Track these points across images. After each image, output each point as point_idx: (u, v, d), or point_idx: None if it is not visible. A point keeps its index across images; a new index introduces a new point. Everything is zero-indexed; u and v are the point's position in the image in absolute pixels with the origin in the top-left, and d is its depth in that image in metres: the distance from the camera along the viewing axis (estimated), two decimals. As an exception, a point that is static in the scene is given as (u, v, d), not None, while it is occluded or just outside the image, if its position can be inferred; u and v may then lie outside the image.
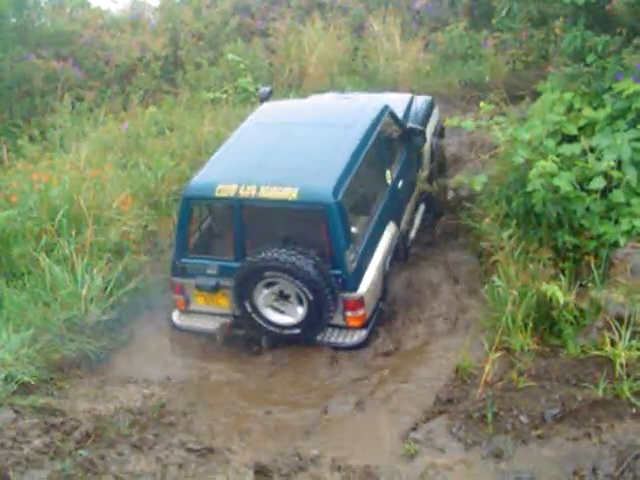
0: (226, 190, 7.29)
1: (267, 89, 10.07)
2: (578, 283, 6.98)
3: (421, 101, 10.09)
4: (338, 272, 7.09)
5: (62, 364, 7.15)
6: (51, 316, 7.37)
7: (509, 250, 7.35)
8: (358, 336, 7.38)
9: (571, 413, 5.72)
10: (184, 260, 7.62)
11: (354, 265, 7.17)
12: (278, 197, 7.07)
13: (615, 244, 7.16)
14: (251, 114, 9.11)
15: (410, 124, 9.11)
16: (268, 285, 7.24)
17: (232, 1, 16.15)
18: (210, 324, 7.75)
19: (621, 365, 5.93)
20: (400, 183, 8.46)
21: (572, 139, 7.82)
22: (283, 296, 7.30)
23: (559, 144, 7.73)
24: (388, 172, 8.26)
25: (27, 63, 13.53)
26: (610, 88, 7.86)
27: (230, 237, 7.52)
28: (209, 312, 7.79)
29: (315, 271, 6.92)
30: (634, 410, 5.63)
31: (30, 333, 7.00)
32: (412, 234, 8.84)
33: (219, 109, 12.44)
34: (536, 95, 8.87)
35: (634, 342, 6.15)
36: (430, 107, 10.26)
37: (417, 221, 9.15)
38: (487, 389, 6.22)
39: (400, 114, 9.07)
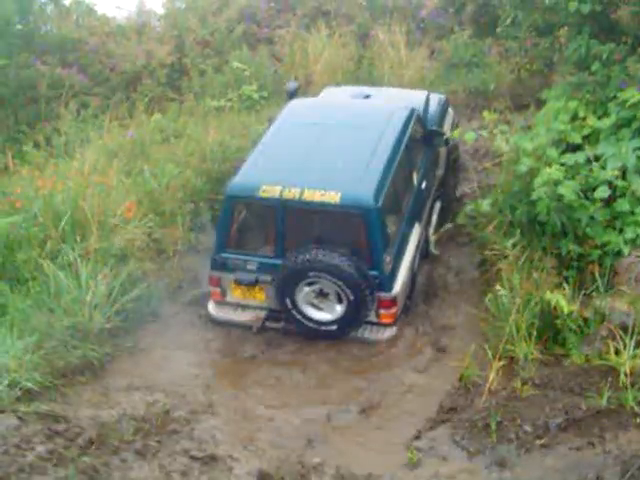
0: (270, 191, 7.57)
1: (295, 84, 10.36)
2: (582, 292, 6.98)
3: (436, 100, 10.20)
4: (375, 273, 7.42)
5: (66, 370, 7.12)
6: (55, 322, 7.37)
7: (513, 258, 7.36)
8: (389, 332, 7.76)
9: (575, 422, 5.72)
10: (224, 255, 7.91)
11: (390, 267, 7.52)
12: (321, 200, 7.38)
13: (619, 253, 7.17)
14: (283, 110, 9.28)
15: (432, 126, 9.38)
16: (309, 284, 7.55)
17: (238, 8, 16.15)
18: (244, 316, 8.09)
19: (625, 374, 5.94)
20: (423, 184, 8.72)
21: (576, 148, 7.83)
22: (322, 294, 7.62)
23: (563, 153, 7.73)
24: (415, 174, 8.59)
25: (33, 70, 13.59)
26: (615, 97, 7.86)
27: (271, 235, 7.90)
28: (245, 305, 8.11)
29: (357, 273, 7.26)
30: (638, 420, 5.64)
31: (34, 339, 7.00)
32: (431, 231, 9.01)
33: (224, 117, 12.47)
34: (541, 103, 8.87)
35: (638, 351, 6.15)
36: (445, 106, 10.51)
37: (434, 218, 9.36)
38: (491, 398, 6.23)
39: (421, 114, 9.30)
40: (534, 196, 7.25)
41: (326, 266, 7.30)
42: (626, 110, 7.64)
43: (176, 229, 9.32)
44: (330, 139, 8.27)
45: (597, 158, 7.52)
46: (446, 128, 9.99)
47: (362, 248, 7.48)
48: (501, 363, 6.51)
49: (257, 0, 16.52)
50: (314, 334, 7.78)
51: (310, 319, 7.69)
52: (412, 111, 8.82)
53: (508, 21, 9.66)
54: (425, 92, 9.83)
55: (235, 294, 8.09)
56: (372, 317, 7.69)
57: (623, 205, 7.25)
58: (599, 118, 7.91)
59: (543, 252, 7.40)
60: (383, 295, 7.52)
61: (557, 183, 7.11)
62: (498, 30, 10.15)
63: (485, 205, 8.13)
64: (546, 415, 5.81)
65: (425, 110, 9.31)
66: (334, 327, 7.66)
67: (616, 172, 7.23)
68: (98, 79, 14.16)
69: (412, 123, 8.68)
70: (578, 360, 6.48)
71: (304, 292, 7.60)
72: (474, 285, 8.30)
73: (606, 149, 7.53)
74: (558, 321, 6.80)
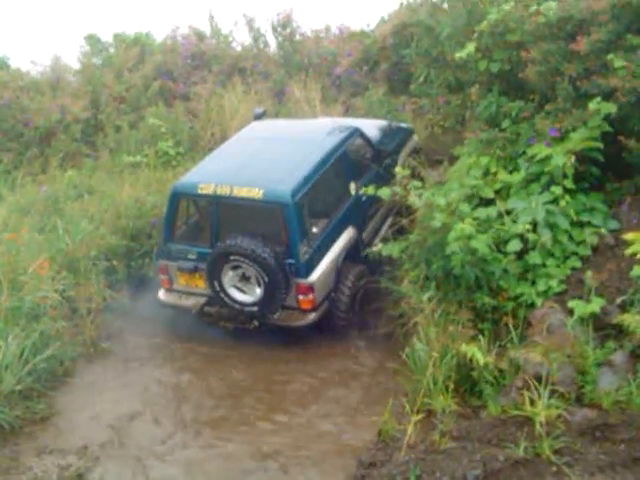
0: (206, 188, 8.73)
1: (261, 110, 11.40)
2: (497, 344, 7.09)
3: (400, 129, 11.51)
4: (292, 261, 8.39)
5: (-27, 435, 6.92)
6: (-37, 384, 7.15)
7: (429, 312, 7.42)
8: (308, 318, 8.61)
9: (493, 473, 5.74)
10: (169, 245, 9.04)
11: (307, 256, 8.48)
12: (247, 196, 8.48)
13: (532, 305, 7.29)
14: (243, 129, 10.73)
15: (381, 147, 10.57)
16: (234, 268, 8.51)
17: (154, 65, 16.15)
18: (188, 302, 9.08)
19: (541, 424, 6.00)
20: (365, 196, 9.14)
21: (489, 202, 7.99)
22: (245, 278, 8.59)
23: (476, 207, 7.88)
24: (352, 184, 9.41)
25: (-57, 124, 13.32)
26: (524, 152, 8.07)
27: (207, 227, 8.99)
28: (189, 292, 9.11)
29: (270, 257, 8.21)
30: (555, 469, 5.69)
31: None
32: (376, 241, 9.47)
33: (139, 173, 12.38)
34: (453, 159, 9.04)
35: (553, 401, 6.25)
36: (408, 134, 11.59)
37: (383, 231, 10.23)
38: (410, 452, 6.21)
39: (376, 137, 10.75)
40: (448, 250, 7.35)
41: (244, 250, 8.23)
42: (535, 165, 7.85)
43: (90, 287, 9.16)
44: (270, 150, 9.48)
45: (509, 212, 7.69)
46: (405, 152, 11.18)
47: (281, 238, 8.43)
48: (419, 417, 6.51)
49: (173, 56, 16.56)
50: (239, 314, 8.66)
51: (235, 301, 8.60)
52: (354, 130, 10.03)
53: (421, 79, 9.87)
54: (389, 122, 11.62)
55: (180, 282, 9.11)
56: (293, 303, 8.59)
57: (534, 258, 7.41)
58: (510, 173, 8.11)
59: (458, 305, 7.48)
60: (300, 281, 8.46)
61: (470, 237, 7.23)
62: (411, 87, 10.34)
63: (396, 250, 8.21)
64: (464, 467, 5.81)
65: (384, 133, 11.04)
66: (255, 308, 8.53)
67: (527, 225, 7.39)
68: (11, 134, 13.91)
69: (351, 140, 9.88)
70: (495, 411, 6.54)
71: (229, 276, 8.56)
72: (391, 340, 8.33)
73: (517, 203, 7.71)
74: (474, 373, 6.87)
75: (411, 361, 7.30)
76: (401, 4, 11.82)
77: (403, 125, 12.05)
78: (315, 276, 8.54)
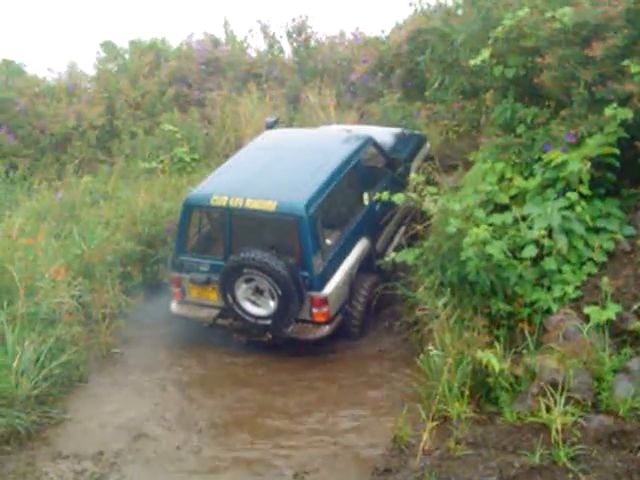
0: (219, 200, 8.65)
1: (273, 119, 11.40)
2: (513, 350, 7.06)
3: (412, 136, 11.51)
4: (306, 274, 8.35)
5: (-10, 440, 6.96)
6: (-21, 390, 7.19)
7: (444, 318, 7.41)
8: (322, 331, 8.58)
9: (509, 480, 5.73)
10: (182, 257, 9.01)
11: (321, 269, 8.44)
12: (260, 208, 8.43)
13: (548, 311, 7.27)
14: (256, 138, 10.66)
15: (393, 155, 10.51)
16: (247, 281, 8.47)
17: (169, 71, 16.22)
18: (200, 313, 9.05)
19: (557, 431, 5.99)
20: (378, 206, 9.49)
21: (504, 208, 7.97)
22: (259, 291, 8.54)
23: (491, 213, 7.87)
24: (366, 194, 9.48)
25: (-41, 131, 13.40)
26: (540, 158, 8.04)
27: (220, 239, 8.91)
28: (201, 304, 9.06)
29: (284, 270, 8.18)
30: (571, 476, 5.68)
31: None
32: (390, 250, 9.55)
33: (155, 179, 12.41)
34: (469, 165, 9.03)
35: (569, 408, 6.22)
36: (420, 142, 11.55)
37: (396, 240, 10.23)
38: (425, 458, 6.21)
39: (388, 146, 10.72)
40: (463, 256, 7.34)
41: (257, 263, 8.21)
42: (550, 171, 7.83)
43: (106, 293, 9.19)
44: (283, 160, 9.42)
45: (524, 218, 7.66)
46: (417, 161, 11.11)
47: (295, 251, 8.41)
48: (435, 423, 6.51)
49: (188, 63, 16.63)
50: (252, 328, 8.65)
51: (248, 313, 8.56)
52: (367, 139, 9.98)
53: (436, 85, 9.87)
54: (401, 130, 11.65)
55: (192, 294, 9.08)
56: (307, 316, 8.55)
57: (550, 264, 7.39)
58: (525, 179, 8.08)
59: (474, 311, 7.47)
60: (314, 294, 8.42)
61: (485, 243, 7.22)
62: (426, 94, 10.35)
63: (411, 257, 8.21)
64: (480, 474, 5.80)
65: (397, 142, 11.05)
66: (268, 322, 8.52)
67: (542, 231, 7.37)
68: (27, 140, 14.00)
69: (364, 150, 9.83)
70: (510, 418, 6.52)
71: (242, 288, 8.51)
72: (406, 345, 8.33)
73: (532, 209, 7.69)
74: (490, 379, 6.85)
75: (426, 367, 7.29)
76: (415, 10, 11.83)
77: (416, 132, 12.04)
78: (329, 289, 8.52)
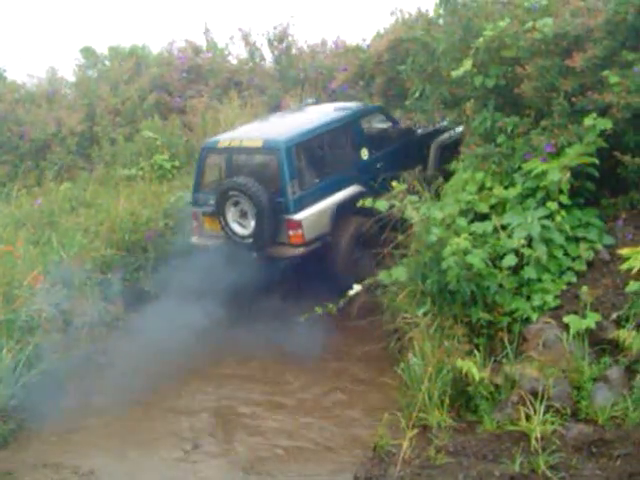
0: (224, 142, 10.56)
1: (312, 99, 13.31)
2: (493, 359, 7.07)
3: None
4: (282, 199, 9.65)
5: (-34, 449, 6.89)
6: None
7: (424, 327, 7.42)
8: (296, 251, 9.77)
9: (488, 489, 5.73)
10: (197, 194, 10.68)
11: (296, 196, 9.71)
12: (252, 145, 10.17)
13: (528, 320, 7.28)
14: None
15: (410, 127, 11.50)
16: (234, 204, 9.88)
17: (150, 78, 16.17)
18: (213, 243, 10.38)
19: (536, 439, 6.00)
20: (380, 164, 10.69)
21: (484, 217, 8.00)
22: (244, 214, 9.88)
23: (471, 222, 7.90)
24: (365, 150, 10.79)
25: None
26: (520, 168, 8.08)
27: (225, 175, 10.46)
28: (213, 235, 10.46)
29: (260, 192, 9.53)
30: (550, 485, 5.68)
31: None
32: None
33: (135, 186, 12.38)
34: (450, 174, 9.05)
35: (548, 416, 6.24)
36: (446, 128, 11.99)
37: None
38: (405, 467, 6.19)
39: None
40: (444, 265, 7.36)
41: (239, 186, 9.65)
42: (530, 180, 7.86)
43: (85, 300, 9.14)
44: (286, 118, 11.57)
45: (504, 227, 7.70)
46: (441, 139, 11.65)
47: (275, 179, 9.76)
48: (415, 432, 6.51)
49: (169, 70, 16.58)
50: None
51: (236, 234, 9.93)
52: (371, 107, 11.62)
53: (416, 94, 9.89)
54: None
55: (207, 226, 10.57)
56: (285, 239, 9.78)
57: (530, 273, 7.42)
58: (505, 188, 8.10)
59: (454, 320, 7.47)
60: (289, 217, 9.68)
61: (466, 252, 7.24)
62: (407, 103, 10.36)
63: (399, 274, 8.21)
64: (460, 483, 5.82)
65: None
66: (250, 240, 9.80)
67: (522, 241, 7.40)
68: (6, 146, 13.96)
69: (367, 114, 11.50)
70: (490, 426, 6.53)
71: (231, 212, 9.92)
72: (387, 354, 8.33)
73: (512, 218, 7.72)
74: (470, 388, 6.85)
75: (406, 376, 7.29)
76: (397, 19, 11.86)
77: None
78: (304, 215, 9.73)
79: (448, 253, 7.30)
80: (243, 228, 9.95)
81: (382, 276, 8.38)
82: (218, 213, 9.96)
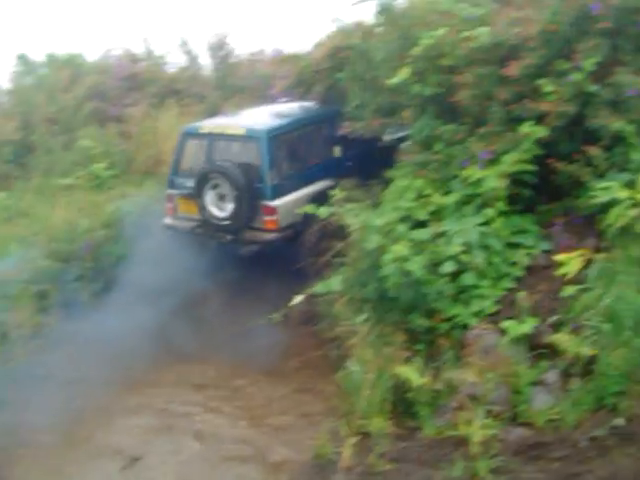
0: (206, 128, 10.92)
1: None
2: (432, 365, 7.11)
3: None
4: (260, 185, 10.03)
5: None
6: None
7: (364, 334, 7.43)
8: (270, 236, 10.11)
9: (429, 495, 5.76)
10: (173, 177, 10.98)
11: (274, 182, 10.09)
12: (234, 133, 10.57)
13: (466, 325, 7.35)
14: None
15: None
16: (213, 187, 10.19)
17: (87, 86, 15.93)
18: (186, 225, 10.72)
19: (476, 444, 6.05)
20: (350, 162, 11.09)
21: (423, 224, 8.04)
22: (222, 197, 10.19)
23: (411, 229, 7.93)
24: (338, 148, 11.15)
25: None
26: (457, 175, 8.16)
27: (205, 160, 10.68)
28: (187, 217, 10.76)
29: (239, 175, 9.91)
30: (490, 489, 5.73)
31: None
32: None
33: (72, 195, 12.19)
34: (389, 182, 9.09)
35: (488, 421, 6.30)
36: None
37: None
38: (346, 474, 6.21)
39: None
40: (383, 272, 7.38)
41: (219, 168, 10.09)
42: (468, 188, 7.95)
43: (21, 312, 8.97)
44: (272, 110, 11.63)
45: (443, 234, 7.75)
46: None
47: (255, 166, 10.13)
48: (356, 439, 6.51)
49: (107, 78, 16.38)
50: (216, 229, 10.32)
51: (214, 216, 10.24)
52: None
53: (355, 102, 9.94)
54: None
55: (181, 209, 10.87)
56: (261, 224, 10.13)
57: (468, 279, 7.49)
58: (443, 195, 8.18)
59: (394, 327, 7.49)
60: (265, 203, 10.03)
61: (405, 259, 7.27)
62: (345, 111, 10.37)
63: (335, 283, 8.21)
64: (401, 489, 5.83)
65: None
66: (228, 222, 10.13)
67: (461, 247, 7.46)
68: (-61, 155, 13.65)
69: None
70: (431, 432, 6.57)
71: (210, 195, 10.23)
72: (328, 361, 8.32)
73: (451, 225, 7.78)
74: (410, 394, 6.88)
75: (347, 383, 7.29)
76: (336, 28, 11.89)
77: None
78: (279, 202, 10.09)
79: (387, 260, 7.32)
80: (221, 211, 10.23)
81: (318, 288, 8.38)
82: (197, 195, 10.30)
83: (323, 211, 8.41)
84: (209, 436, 7.73)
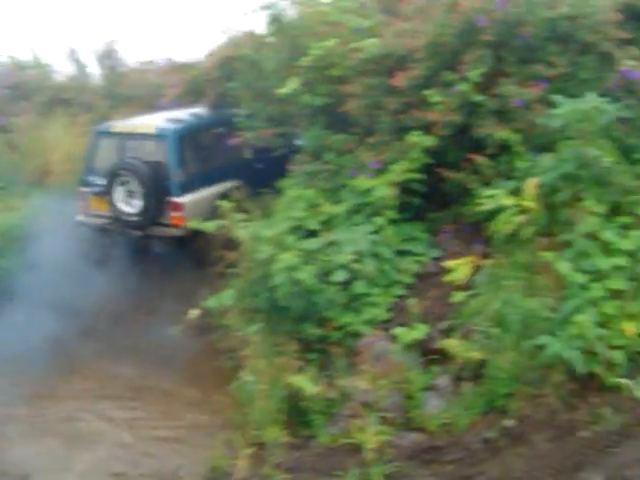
0: (117, 127, 11.10)
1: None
2: (326, 373, 7.13)
3: None
4: (168, 182, 10.24)
5: None
6: None
7: (257, 344, 7.39)
8: (176, 231, 10.28)
9: (326, 503, 5.77)
10: (86, 176, 10.98)
11: (182, 180, 10.33)
12: (144, 131, 10.79)
13: (358, 333, 7.40)
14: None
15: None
16: (122, 183, 10.31)
17: (-30, 95, 15.50)
18: (97, 221, 10.80)
19: (371, 450, 6.08)
20: (261, 165, 11.02)
21: (314, 234, 8.07)
22: (131, 195, 10.32)
23: (302, 239, 7.94)
24: (248, 150, 10.88)
25: None
26: (347, 184, 8.23)
27: (117, 158, 10.78)
28: (98, 215, 10.78)
29: (147, 172, 10.16)
30: (383, 494, 5.77)
31: None
32: None
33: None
34: (279, 192, 9.09)
35: (382, 427, 6.35)
36: None
37: None
38: (242, 486, 6.16)
39: None
40: (274, 282, 7.37)
41: (128, 166, 10.29)
42: (358, 197, 8.03)
43: None
44: (181, 113, 11.47)
45: (333, 243, 7.79)
46: None
47: (163, 163, 10.37)
48: (251, 450, 6.48)
49: (-8, 87, 15.94)
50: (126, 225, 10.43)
51: (123, 212, 10.36)
52: None
53: (246, 112, 9.93)
54: None
55: (94, 206, 10.88)
56: (167, 220, 10.30)
57: (359, 287, 7.54)
58: (334, 205, 8.23)
59: (286, 336, 7.49)
60: (172, 199, 10.22)
61: (295, 268, 7.28)
62: (236, 120, 10.35)
63: (227, 297, 8.16)
64: (296, 499, 5.83)
65: None
66: (137, 218, 10.29)
67: (351, 256, 7.51)
68: None
69: None
70: (325, 441, 6.59)
71: (120, 192, 10.34)
72: (222, 373, 8.26)
73: (341, 234, 7.84)
74: (304, 404, 6.89)
75: (241, 394, 7.24)
76: (227, 38, 11.84)
77: None
78: (186, 199, 10.29)
79: (277, 269, 7.32)
80: (130, 207, 10.34)
81: (210, 302, 8.31)
82: (107, 192, 10.38)
83: (209, 225, 8.43)
84: (102, 450, 7.56)
